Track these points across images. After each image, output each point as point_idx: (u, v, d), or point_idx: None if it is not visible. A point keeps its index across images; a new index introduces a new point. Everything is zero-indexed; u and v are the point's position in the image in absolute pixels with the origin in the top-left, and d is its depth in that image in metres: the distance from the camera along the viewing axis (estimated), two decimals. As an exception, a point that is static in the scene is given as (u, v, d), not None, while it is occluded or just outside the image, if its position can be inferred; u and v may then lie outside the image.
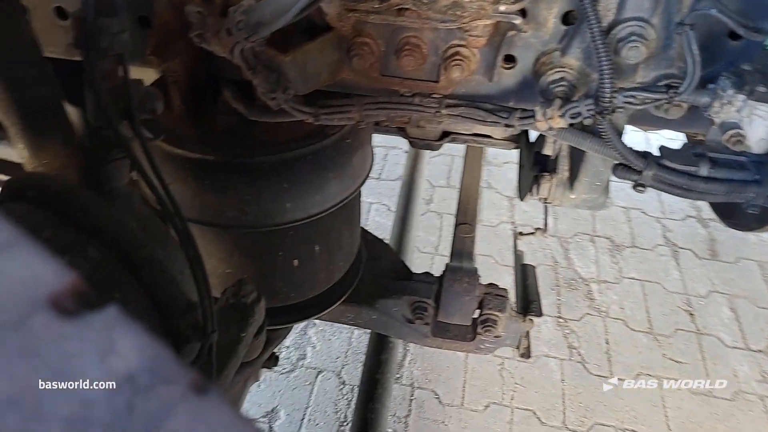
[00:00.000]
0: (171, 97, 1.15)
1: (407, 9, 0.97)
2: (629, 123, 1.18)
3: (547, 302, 3.26)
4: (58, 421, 0.19)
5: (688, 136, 1.58)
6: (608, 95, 0.94)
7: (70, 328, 0.22)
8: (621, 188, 3.99)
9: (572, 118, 0.99)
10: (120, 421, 0.20)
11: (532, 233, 2.22)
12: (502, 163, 4.16)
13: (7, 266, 0.24)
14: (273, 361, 1.70)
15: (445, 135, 1.68)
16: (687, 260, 3.54)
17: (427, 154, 3.31)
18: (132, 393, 0.21)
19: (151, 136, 0.78)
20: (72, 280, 0.24)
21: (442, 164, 4.13)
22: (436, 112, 1.13)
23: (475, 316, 1.75)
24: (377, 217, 3.71)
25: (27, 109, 1.03)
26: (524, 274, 1.97)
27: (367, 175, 1.38)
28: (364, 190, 1.42)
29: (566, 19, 1.03)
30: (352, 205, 1.46)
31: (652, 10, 0.95)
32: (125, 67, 0.60)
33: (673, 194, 0.99)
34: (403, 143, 3.98)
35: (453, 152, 4.15)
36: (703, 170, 0.96)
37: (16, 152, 1.09)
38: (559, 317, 3.18)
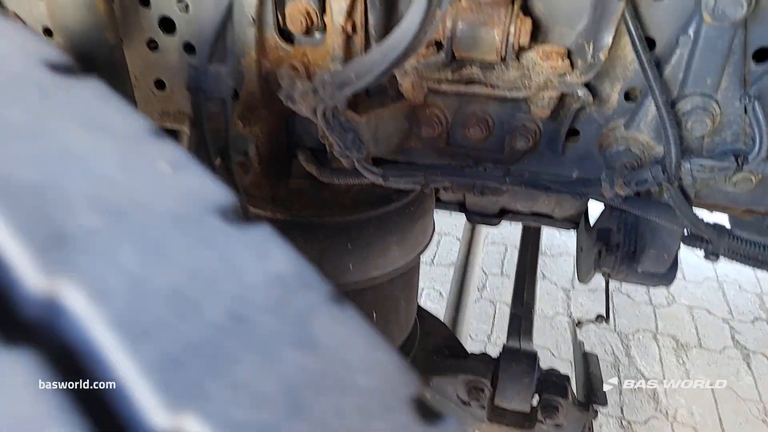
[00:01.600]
0: (250, 160, 1.23)
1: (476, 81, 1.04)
2: (696, 204, 1.18)
3: (608, 402, 3.07)
4: (226, 297, 0.22)
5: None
6: (675, 165, 0.95)
7: (235, 231, 0.26)
8: (683, 286, 3.85)
9: (638, 185, 1.00)
10: (276, 309, 0.22)
11: (592, 321, 2.15)
12: (557, 255, 4.10)
13: (186, 178, 0.28)
14: None
15: (504, 212, 1.70)
16: (760, 365, 3.30)
17: (482, 242, 3.31)
18: (283, 290, 0.24)
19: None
20: (236, 198, 0.28)
21: (496, 253, 4.11)
22: (501, 181, 1.17)
23: (534, 403, 1.68)
24: (429, 302, 3.67)
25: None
26: (586, 362, 1.89)
27: (428, 244, 1.41)
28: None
29: (628, 95, 1.07)
30: (410, 275, 1.47)
31: (715, 85, 0.98)
32: (227, 109, 0.66)
33: (747, 265, 0.96)
34: (457, 230, 4.01)
35: (507, 241, 4.15)
36: (779, 241, 0.94)
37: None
38: (622, 419, 2.98)
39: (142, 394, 0.18)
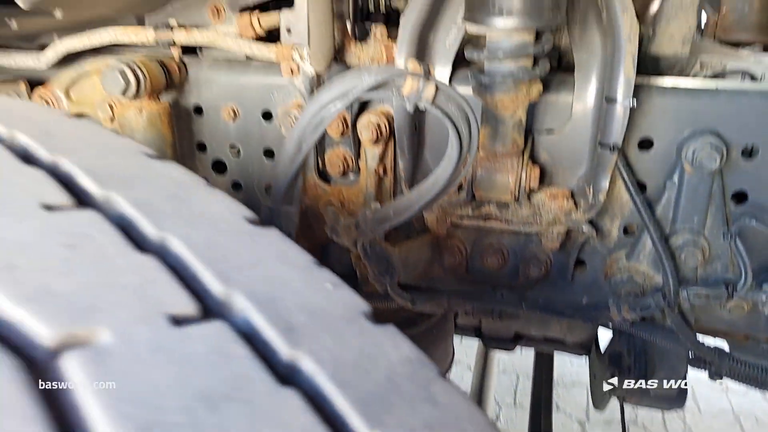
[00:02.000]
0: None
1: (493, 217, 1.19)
2: (698, 330, 1.27)
3: None
4: (382, 369, 0.34)
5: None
6: (673, 292, 1.06)
7: (375, 328, 0.39)
8: (699, 419, 3.76)
9: (642, 311, 1.11)
10: (410, 378, 0.34)
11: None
12: (570, 385, 4.05)
13: (342, 293, 0.41)
14: None
15: (518, 337, 1.79)
16: (791, 507, 3.13)
17: (495, 371, 3.32)
18: (412, 367, 0.36)
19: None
20: (370, 305, 0.41)
21: (508, 382, 4.06)
22: (518, 306, 1.28)
23: None
24: (440, 434, 3.58)
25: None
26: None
27: (449, 367, 1.48)
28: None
29: (626, 230, 1.22)
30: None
31: (702, 223, 1.12)
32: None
33: (749, 385, 1.04)
34: (469, 359, 4.01)
35: (519, 370, 4.12)
36: (775, 364, 1.03)
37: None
38: None
39: (356, 423, 0.31)
